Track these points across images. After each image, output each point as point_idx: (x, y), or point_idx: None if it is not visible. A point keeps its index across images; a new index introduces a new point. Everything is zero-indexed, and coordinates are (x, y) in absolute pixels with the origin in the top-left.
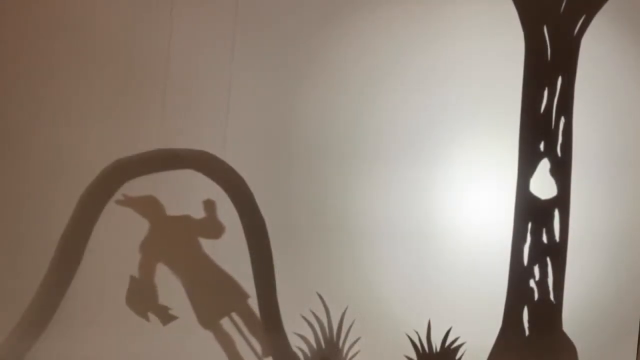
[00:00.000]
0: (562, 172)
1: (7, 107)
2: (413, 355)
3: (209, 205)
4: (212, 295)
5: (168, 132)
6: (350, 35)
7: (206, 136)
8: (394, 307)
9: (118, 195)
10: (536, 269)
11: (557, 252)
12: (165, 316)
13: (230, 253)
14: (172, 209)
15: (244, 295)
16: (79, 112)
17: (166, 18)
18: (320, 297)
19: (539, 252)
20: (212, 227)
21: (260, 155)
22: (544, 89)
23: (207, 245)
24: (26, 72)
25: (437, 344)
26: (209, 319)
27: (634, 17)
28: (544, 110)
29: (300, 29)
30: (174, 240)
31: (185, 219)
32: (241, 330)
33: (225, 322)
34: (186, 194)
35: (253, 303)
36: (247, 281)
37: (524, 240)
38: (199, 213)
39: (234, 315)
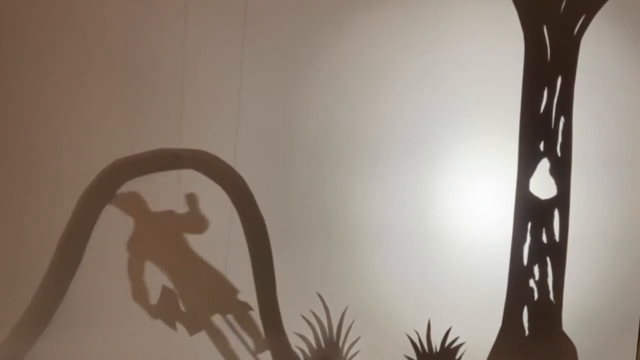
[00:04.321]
0: (562, 171)
1: (8, 107)
2: (413, 355)
3: (192, 199)
4: (202, 293)
5: (171, 131)
6: (350, 35)
7: (205, 136)
8: (394, 307)
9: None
10: (536, 269)
11: (557, 252)
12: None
13: (230, 253)
14: (172, 209)
15: (234, 291)
16: (81, 112)
17: (179, 18)
18: (320, 297)
19: (539, 252)
20: (196, 222)
21: (260, 155)
22: (543, 89)
23: (207, 245)
24: (28, 72)
25: (437, 343)
26: (197, 319)
27: (634, 17)
28: (544, 110)
29: (299, 29)
30: (159, 237)
31: (169, 215)
32: (234, 327)
33: (220, 320)
34: (186, 194)
35: (252, 302)
36: (247, 281)
37: (524, 240)
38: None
39: (227, 312)
